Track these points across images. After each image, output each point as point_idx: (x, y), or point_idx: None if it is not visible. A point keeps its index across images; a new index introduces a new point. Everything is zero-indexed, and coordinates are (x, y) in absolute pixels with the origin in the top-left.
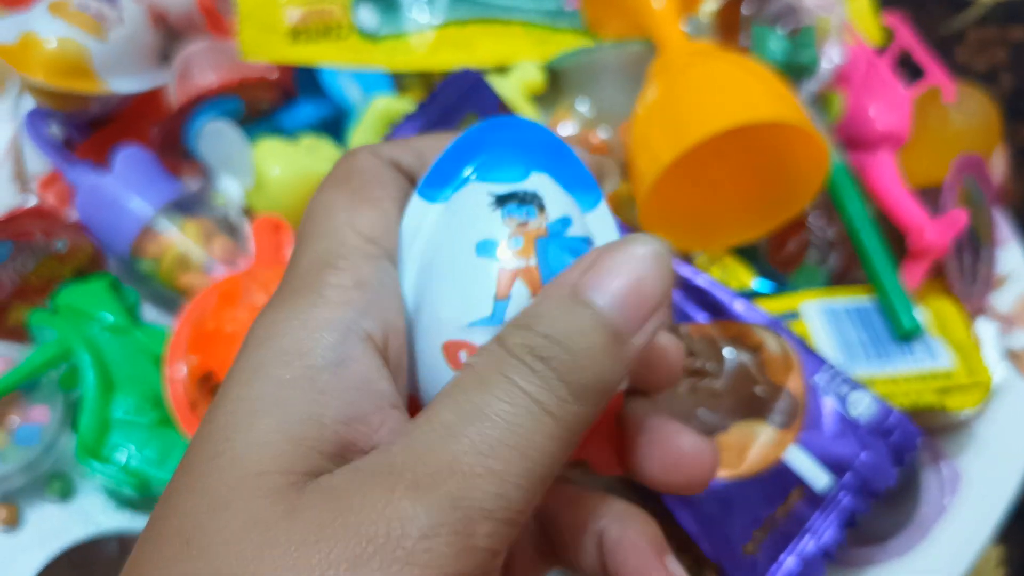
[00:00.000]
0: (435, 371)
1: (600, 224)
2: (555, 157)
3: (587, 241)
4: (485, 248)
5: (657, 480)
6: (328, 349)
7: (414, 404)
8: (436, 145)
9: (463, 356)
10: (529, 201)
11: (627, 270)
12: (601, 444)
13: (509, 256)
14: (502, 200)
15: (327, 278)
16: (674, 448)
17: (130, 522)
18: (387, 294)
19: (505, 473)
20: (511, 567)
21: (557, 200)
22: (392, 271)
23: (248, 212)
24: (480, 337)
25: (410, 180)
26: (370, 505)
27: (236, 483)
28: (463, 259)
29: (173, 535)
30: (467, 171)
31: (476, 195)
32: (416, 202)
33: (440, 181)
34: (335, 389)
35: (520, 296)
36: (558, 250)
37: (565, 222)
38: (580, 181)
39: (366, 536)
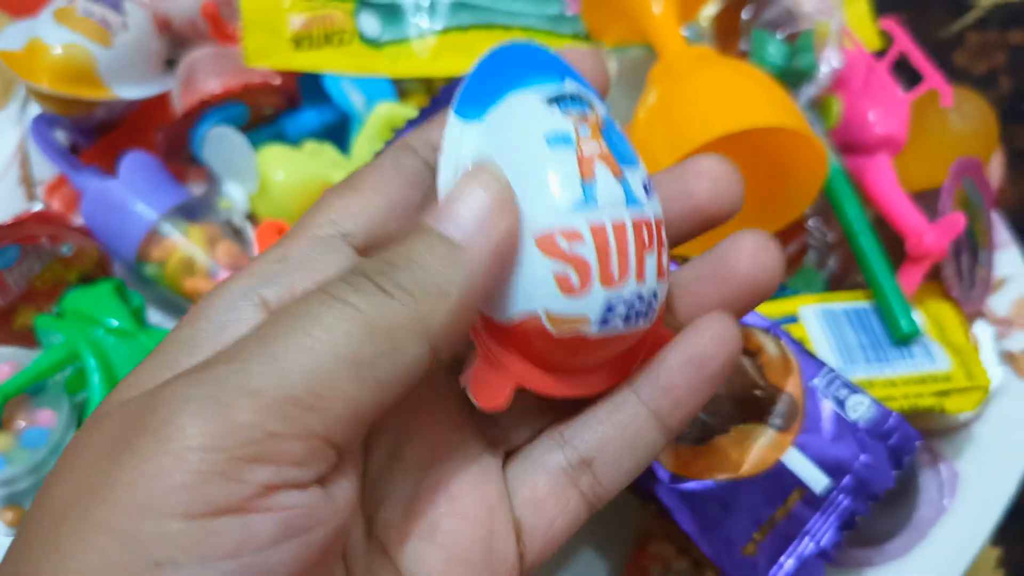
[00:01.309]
0: (534, 268)
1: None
2: (570, 72)
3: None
4: (557, 139)
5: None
6: (216, 313)
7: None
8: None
9: (561, 241)
10: (580, 98)
11: (456, 191)
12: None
13: (583, 142)
14: (556, 100)
15: (263, 255)
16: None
17: None
18: (308, 265)
19: (283, 353)
20: (539, 507)
21: (595, 99)
22: (341, 246)
23: (252, 217)
24: (579, 220)
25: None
26: (148, 398)
27: (79, 434)
28: (536, 153)
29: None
30: (500, 88)
31: (524, 101)
32: (454, 122)
33: (474, 100)
34: (210, 343)
35: (603, 175)
36: (619, 136)
37: (610, 120)
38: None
39: (131, 423)
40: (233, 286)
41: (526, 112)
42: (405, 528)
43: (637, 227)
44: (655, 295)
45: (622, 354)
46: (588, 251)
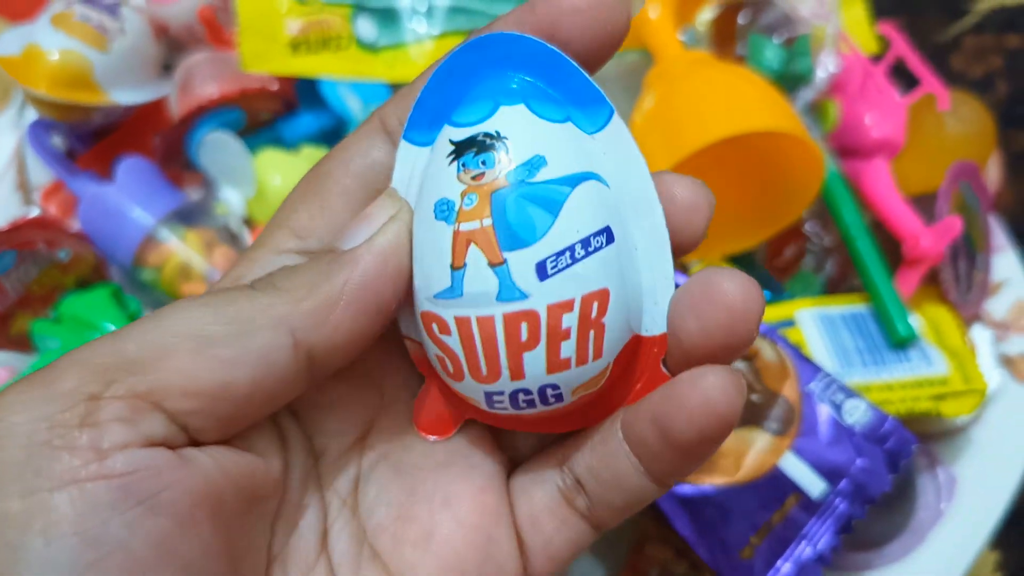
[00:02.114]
0: (424, 339)
1: (613, 146)
2: (548, 72)
3: (567, 181)
4: (441, 210)
5: (702, 339)
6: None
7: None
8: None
9: (436, 329)
10: (488, 147)
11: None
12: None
13: (464, 217)
14: (459, 149)
15: (225, 278)
16: (717, 292)
17: None
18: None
19: (124, 333)
20: (535, 523)
21: (527, 137)
22: (295, 259)
23: (249, 222)
24: (446, 311)
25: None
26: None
27: None
28: (425, 224)
29: None
30: (442, 112)
31: (443, 142)
32: (404, 149)
33: (424, 121)
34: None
35: (476, 263)
36: (519, 202)
37: (534, 165)
38: (582, 97)
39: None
40: (192, 313)
41: (437, 162)
42: (398, 533)
43: (511, 322)
44: (557, 385)
45: (595, 399)
46: (455, 344)
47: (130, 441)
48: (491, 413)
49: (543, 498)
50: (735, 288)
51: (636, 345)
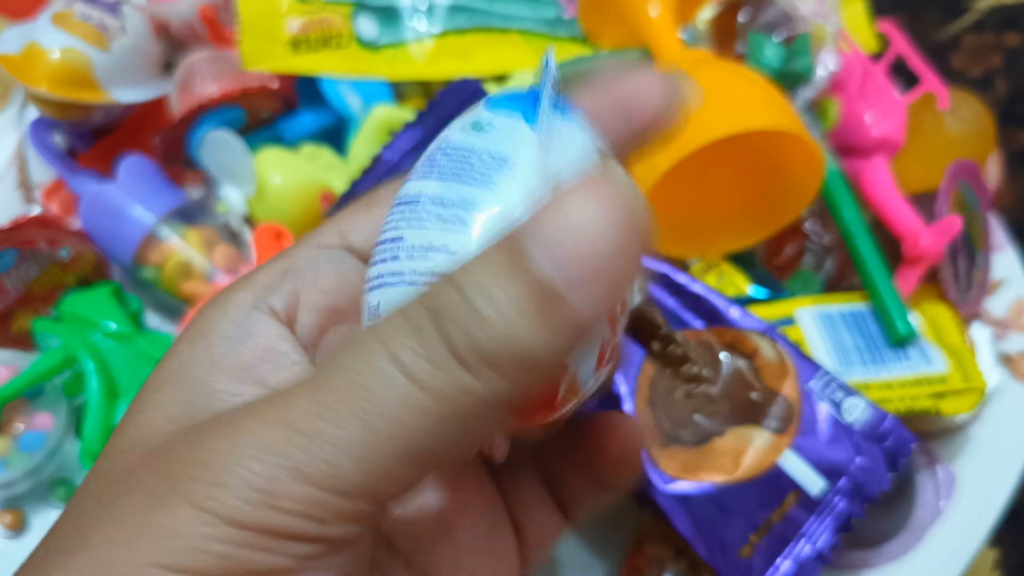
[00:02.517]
0: None
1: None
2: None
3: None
4: None
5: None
6: (231, 327)
7: None
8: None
9: None
10: None
11: (565, 207)
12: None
13: None
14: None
15: (267, 266)
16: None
17: None
18: (314, 274)
19: (338, 440)
20: (524, 532)
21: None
22: (346, 256)
23: (250, 220)
24: None
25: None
26: (183, 450)
27: (112, 457)
28: None
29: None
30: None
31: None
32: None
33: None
34: (232, 360)
35: None
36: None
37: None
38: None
39: (166, 476)
40: (240, 298)
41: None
42: (417, 527)
43: None
44: None
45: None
46: None
47: (338, 561)
48: None
49: (536, 507)
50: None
51: None
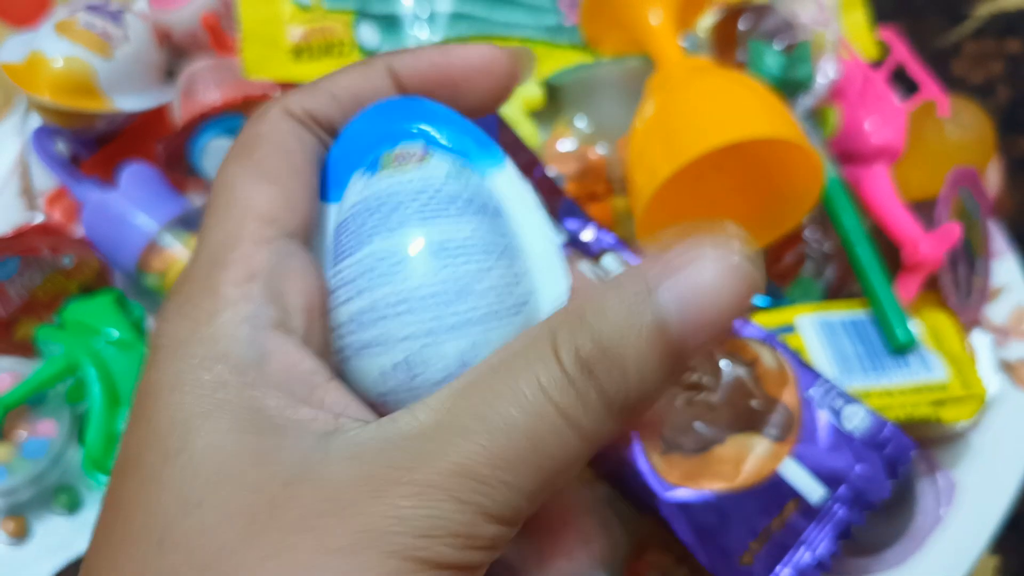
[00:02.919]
0: None
1: (505, 190)
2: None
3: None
4: None
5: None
6: (246, 348)
7: None
8: (348, 84)
9: None
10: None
11: (710, 276)
12: None
13: None
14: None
15: (221, 277)
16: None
17: None
18: (285, 275)
19: (518, 486)
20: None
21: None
22: (294, 246)
23: None
24: None
25: (329, 131)
26: (367, 500)
27: (205, 481)
28: None
29: (141, 534)
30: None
31: (354, 183)
32: (323, 209)
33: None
34: (266, 383)
35: None
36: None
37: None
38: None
39: (362, 528)
40: (232, 320)
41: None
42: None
43: None
44: None
45: None
46: None
47: (458, 549)
48: None
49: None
50: None
51: None
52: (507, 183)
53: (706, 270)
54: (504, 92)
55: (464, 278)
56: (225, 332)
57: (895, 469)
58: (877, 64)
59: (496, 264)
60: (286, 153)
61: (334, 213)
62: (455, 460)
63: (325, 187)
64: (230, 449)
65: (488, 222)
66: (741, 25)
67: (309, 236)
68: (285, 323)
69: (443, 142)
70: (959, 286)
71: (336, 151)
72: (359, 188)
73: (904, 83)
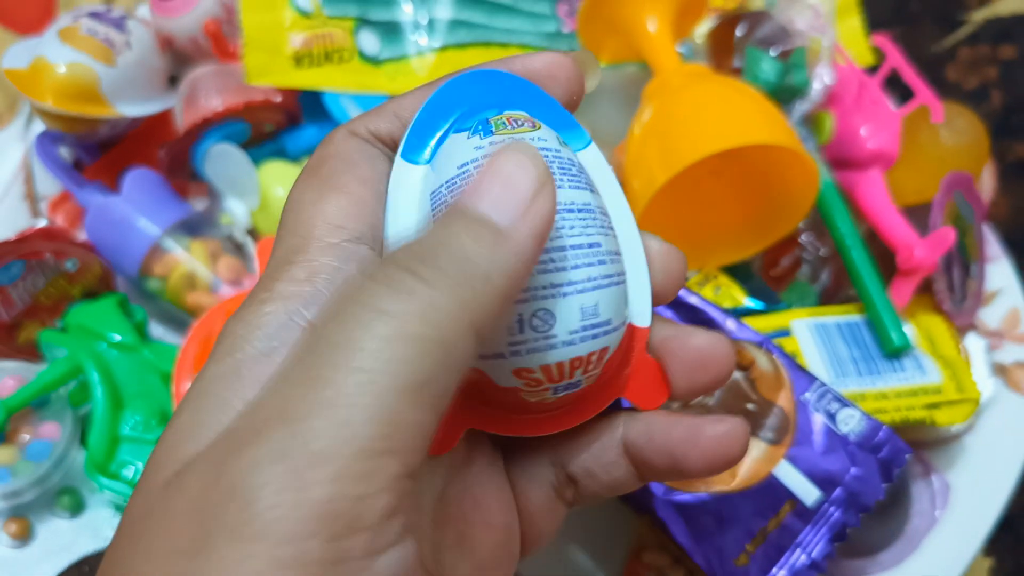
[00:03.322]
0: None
1: (593, 163)
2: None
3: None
4: None
5: (686, 386)
6: (259, 341)
7: None
8: (413, 104)
9: None
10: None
11: (492, 171)
12: (637, 378)
13: None
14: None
15: (282, 275)
16: (692, 348)
17: None
18: (342, 277)
19: (339, 398)
20: (530, 517)
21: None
22: (362, 250)
23: (253, 232)
24: None
25: (393, 147)
26: (205, 482)
27: (137, 488)
28: None
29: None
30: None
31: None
32: (400, 166)
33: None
34: (254, 376)
35: None
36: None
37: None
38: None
39: (201, 518)
40: (269, 311)
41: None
42: (437, 539)
43: None
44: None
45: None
46: None
47: (399, 534)
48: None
49: (539, 495)
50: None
51: (629, 333)
52: (594, 162)
53: (499, 168)
54: (569, 97)
55: (594, 237)
56: (252, 327)
57: (890, 472)
58: (872, 70)
59: (608, 236)
60: (352, 165)
61: (418, 173)
62: (276, 403)
63: (407, 147)
64: (180, 443)
65: (594, 195)
66: (737, 32)
67: (378, 239)
68: (315, 325)
69: (535, 114)
70: (953, 290)
71: (424, 114)
72: (471, 147)
73: (898, 89)
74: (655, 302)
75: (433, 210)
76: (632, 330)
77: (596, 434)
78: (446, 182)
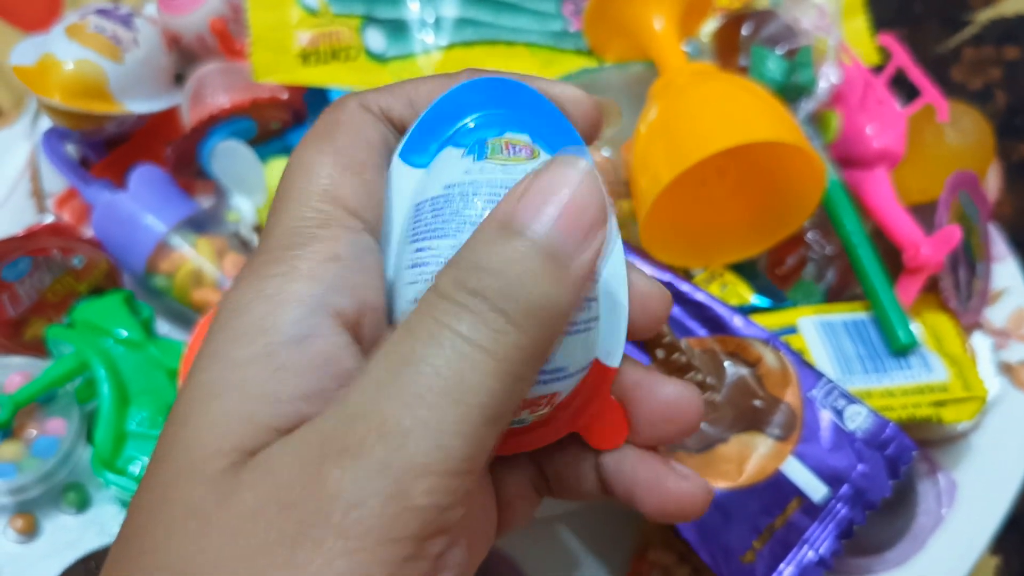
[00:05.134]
0: None
1: None
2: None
3: None
4: None
5: (649, 435)
6: (291, 324)
7: None
8: (429, 92)
9: None
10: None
11: (556, 189)
12: (597, 417)
13: None
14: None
15: (300, 250)
16: (660, 398)
17: None
18: (364, 270)
19: (439, 423)
20: (507, 504)
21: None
22: (373, 246)
23: (260, 229)
24: None
25: (400, 130)
26: (301, 481)
27: (182, 472)
28: None
29: (133, 532)
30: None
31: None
32: (397, 166)
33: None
34: (295, 365)
35: None
36: None
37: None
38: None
39: (297, 515)
40: (297, 291)
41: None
42: None
43: None
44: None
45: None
46: None
47: (460, 540)
48: None
49: (516, 483)
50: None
51: (597, 371)
52: None
53: (556, 184)
54: (583, 136)
55: None
56: (280, 305)
57: (896, 469)
58: (878, 70)
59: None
60: (368, 145)
61: (414, 177)
62: (374, 418)
63: (408, 145)
64: (219, 432)
65: None
66: (743, 31)
67: (378, 231)
68: (346, 315)
69: (542, 138)
70: (959, 289)
71: (432, 114)
72: (461, 168)
73: (904, 88)
74: (631, 337)
75: (415, 224)
76: (599, 368)
77: (576, 445)
78: (430, 199)
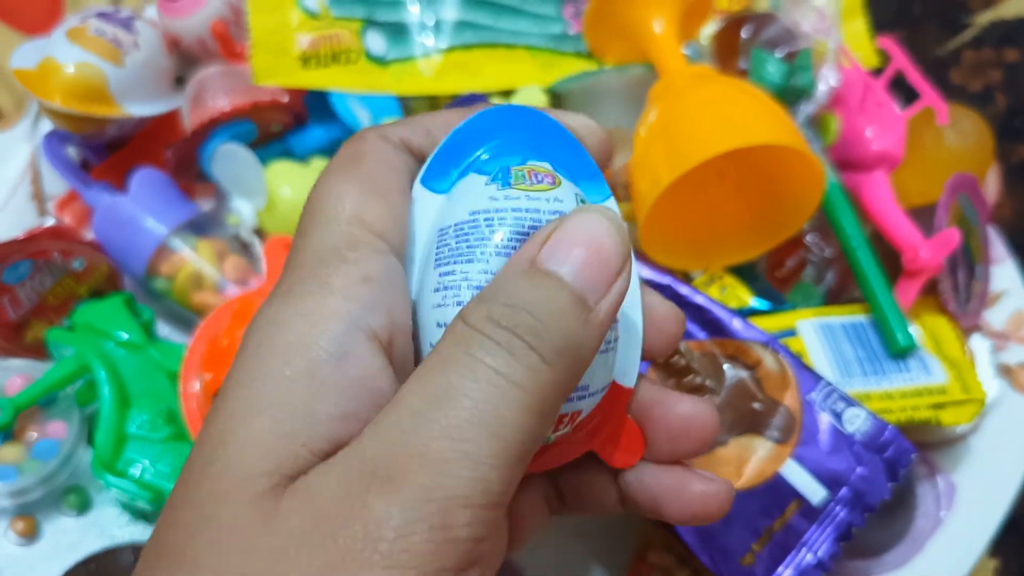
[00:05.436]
0: None
1: None
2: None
3: None
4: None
5: (666, 451)
6: (331, 341)
7: None
8: (446, 123)
9: None
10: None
11: (584, 237)
12: (614, 436)
13: None
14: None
15: (333, 270)
16: (676, 416)
17: (144, 534)
18: (394, 292)
19: (478, 455)
20: (519, 521)
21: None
22: (399, 268)
23: (260, 232)
24: None
25: (420, 160)
26: (346, 508)
27: (224, 491)
28: None
29: (170, 549)
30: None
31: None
32: (419, 192)
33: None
34: (334, 383)
35: None
36: None
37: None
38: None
39: (343, 542)
40: (334, 308)
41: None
42: None
43: None
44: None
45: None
46: None
47: (489, 568)
48: None
49: (530, 499)
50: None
51: (614, 392)
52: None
53: (583, 231)
54: (598, 160)
55: None
56: (319, 322)
57: (895, 472)
58: (877, 72)
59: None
60: (392, 171)
61: (435, 203)
62: (415, 446)
63: (429, 171)
64: (260, 451)
65: None
66: (743, 34)
67: (402, 255)
68: (380, 336)
69: (562, 165)
70: (958, 291)
71: (451, 141)
72: (486, 195)
73: (903, 91)
74: (647, 357)
75: (439, 248)
76: (616, 388)
77: (592, 461)
78: (454, 225)
